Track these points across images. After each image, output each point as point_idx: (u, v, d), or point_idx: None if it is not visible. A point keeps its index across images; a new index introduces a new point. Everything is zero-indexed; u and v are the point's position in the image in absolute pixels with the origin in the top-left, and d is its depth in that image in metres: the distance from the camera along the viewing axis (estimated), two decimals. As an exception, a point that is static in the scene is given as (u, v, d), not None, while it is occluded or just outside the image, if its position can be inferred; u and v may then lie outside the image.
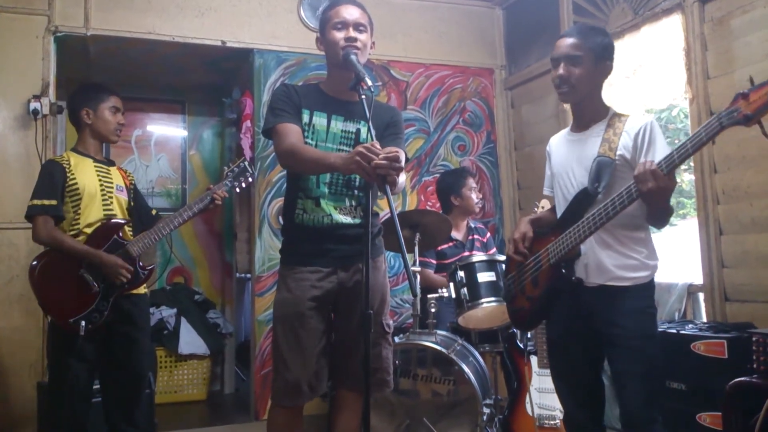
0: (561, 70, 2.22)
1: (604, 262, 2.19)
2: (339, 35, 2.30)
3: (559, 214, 2.33)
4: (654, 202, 2.00)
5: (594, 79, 2.26)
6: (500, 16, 5.02)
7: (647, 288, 2.21)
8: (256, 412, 4.22)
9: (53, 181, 2.84)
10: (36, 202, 2.81)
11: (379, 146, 2.02)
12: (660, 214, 2.11)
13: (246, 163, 3.04)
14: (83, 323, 2.72)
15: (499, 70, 5.00)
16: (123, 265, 2.81)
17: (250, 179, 3.08)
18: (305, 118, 2.34)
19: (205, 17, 4.26)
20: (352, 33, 2.30)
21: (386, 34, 4.59)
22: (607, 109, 2.31)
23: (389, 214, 2.00)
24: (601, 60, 2.25)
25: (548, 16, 4.42)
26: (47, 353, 2.92)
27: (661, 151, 2.11)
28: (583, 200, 2.19)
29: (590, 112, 2.30)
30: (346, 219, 2.35)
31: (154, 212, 3.19)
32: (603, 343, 2.22)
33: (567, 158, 2.33)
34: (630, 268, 2.18)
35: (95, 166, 2.97)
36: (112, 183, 2.98)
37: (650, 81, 3.61)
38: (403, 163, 2.09)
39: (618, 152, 2.18)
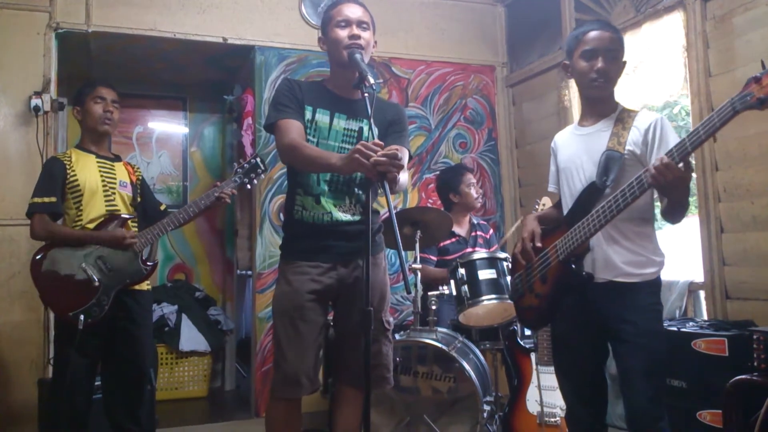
0: (601, 63, 2.21)
1: (611, 257, 2.19)
2: (342, 33, 2.30)
3: (565, 209, 2.32)
4: (672, 193, 1.98)
5: (620, 74, 2.29)
6: (502, 13, 5.01)
7: (654, 284, 2.21)
8: (256, 409, 4.23)
9: (53, 178, 2.86)
10: (36, 199, 2.84)
11: (379, 143, 2.03)
12: (677, 207, 2.07)
13: (258, 159, 3.01)
14: (82, 317, 2.73)
15: (500, 68, 4.99)
16: (123, 234, 2.82)
17: (262, 175, 3.06)
18: (308, 114, 2.34)
19: (206, 14, 4.25)
20: (356, 30, 2.30)
21: (387, 31, 4.59)
22: (616, 105, 2.31)
23: (388, 213, 2.00)
24: (623, 56, 2.30)
25: (550, 13, 4.41)
26: (54, 346, 2.93)
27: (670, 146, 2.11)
28: (591, 194, 2.18)
29: (604, 107, 2.30)
30: (346, 217, 2.35)
31: (163, 207, 3.19)
32: (610, 339, 2.22)
33: (575, 153, 2.33)
34: (638, 264, 2.18)
35: (98, 162, 2.97)
36: (115, 179, 2.98)
37: (650, 78, 3.62)
38: (405, 161, 2.09)
39: (627, 147, 2.17)
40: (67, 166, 2.89)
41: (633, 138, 2.19)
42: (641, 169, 2.13)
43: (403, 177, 2.18)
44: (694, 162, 3.36)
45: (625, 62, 2.30)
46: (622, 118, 2.24)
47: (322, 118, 2.36)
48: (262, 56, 4.37)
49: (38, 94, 3.76)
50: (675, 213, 2.11)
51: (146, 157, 5.53)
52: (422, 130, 4.73)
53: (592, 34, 2.25)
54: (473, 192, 3.89)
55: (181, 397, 4.89)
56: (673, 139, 2.14)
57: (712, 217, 3.25)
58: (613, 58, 2.23)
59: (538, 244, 2.30)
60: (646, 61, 3.64)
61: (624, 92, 3.68)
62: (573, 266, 2.19)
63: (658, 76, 3.57)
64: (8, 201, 3.66)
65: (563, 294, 2.26)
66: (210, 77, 5.32)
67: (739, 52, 3.15)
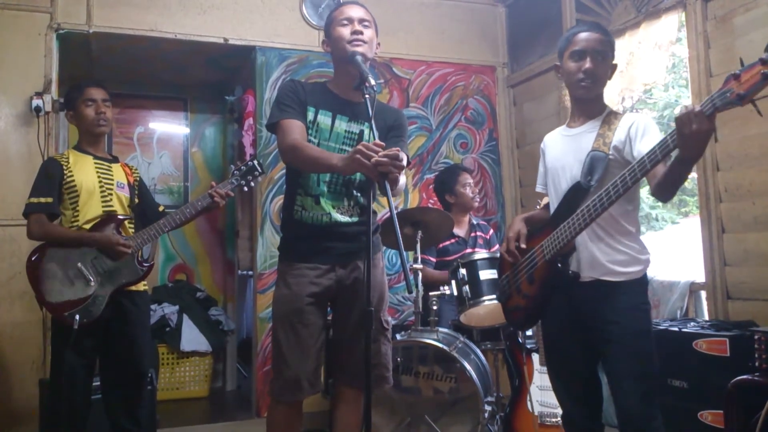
0: (589, 64, 2.21)
1: (596, 256, 2.19)
2: (345, 30, 2.33)
3: (552, 209, 2.33)
4: (691, 149, 1.84)
5: (608, 75, 2.30)
6: (502, 14, 5.01)
7: (641, 283, 2.21)
8: (257, 409, 4.23)
9: (50, 178, 2.87)
10: (32, 200, 2.85)
11: (381, 143, 2.03)
12: (684, 172, 1.95)
13: (255, 161, 2.99)
14: (77, 317, 2.73)
15: (501, 68, 4.99)
16: (118, 240, 2.82)
17: (259, 178, 3.04)
18: (310, 116, 2.36)
19: (207, 15, 4.26)
20: (358, 27, 2.33)
21: (388, 31, 4.58)
22: (604, 107, 2.33)
23: (389, 213, 2.01)
24: (613, 58, 2.30)
25: (550, 14, 4.42)
26: (51, 346, 2.94)
27: (652, 140, 2.10)
28: (576, 194, 2.18)
29: (592, 108, 2.31)
30: (344, 218, 2.36)
31: (161, 208, 3.18)
32: (597, 339, 2.21)
33: (563, 153, 2.34)
34: (622, 263, 2.18)
35: (95, 163, 2.97)
36: (112, 180, 2.99)
37: (636, 71, 3.67)
38: (404, 164, 2.10)
39: (612, 147, 2.18)
40: (65, 167, 2.89)
41: (617, 137, 2.19)
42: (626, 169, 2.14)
43: (402, 180, 2.19)
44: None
45: (615, 65, 2.31)
46: (609, 119, 2.25)
47: (324, 119, 2.37)
48: (262, 57, 4.37)
49: (39, 94, 3.76)
50: (674, 182, 1.98)
51: (147, 157, 5.53)
52: (423, 130, 4.73)
53: (582, 35, 2.26)
54: (468, 192, 3.88)
55: (182, 398, 4.89)
56: (654, 132, 2.15)
57: (713, 217, 3.24)
58: (601, 59, 2.24)
59: (523, 246, 2.30)
60: (636, 54, 3.66)
61: (610, 86, 3.74)
62: (559, 265, 2.19)
63: (643, 68, 3.61)
64: (9, 201, 3.67)
65: (550, 294, 2.26)
66: (211, 78, 5.33)
67: (740, 52, 3.15)
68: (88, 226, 2.86)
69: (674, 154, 1.90)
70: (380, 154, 1.98)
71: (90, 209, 2.89)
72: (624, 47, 3.77)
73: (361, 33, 2.32)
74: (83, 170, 2.92)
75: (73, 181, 2.88)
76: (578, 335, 2.25)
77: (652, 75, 3.57)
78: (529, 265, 2.30)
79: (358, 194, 2.39)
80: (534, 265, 2.27)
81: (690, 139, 1.79)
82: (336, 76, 2.46)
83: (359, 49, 2.29)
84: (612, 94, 3.75)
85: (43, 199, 2.83)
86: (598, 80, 2.25)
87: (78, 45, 4.22)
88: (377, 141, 2.05)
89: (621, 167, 2.14)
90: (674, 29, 3.46)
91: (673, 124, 1.84)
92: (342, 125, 2.38)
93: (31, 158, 3.74)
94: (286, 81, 2.51)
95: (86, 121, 2.97)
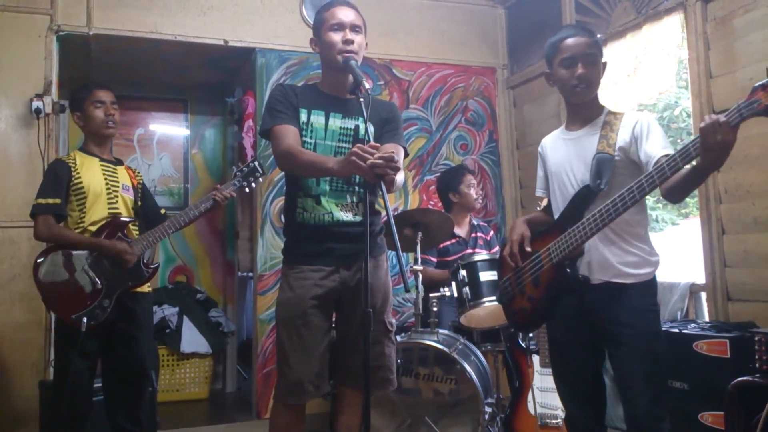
0: (581, 69, 2.22)
1: (608, 258, 2.19)
2: (336, 37, 2.32)
3: (556, 213, 2.32)
4: (714, 159, 1.84)
5: (601, 76, 2.29)
6: (502, 15, 5.02)
7: (650, 286, 2.21)
8: (257, 411, 4.23)
9: (58, 180, 2.87)
10: (40, 200, 2.85)
11: (375, 145, 2.04)
12: (701, 179, 1.99)
13: (256, 162, 3.03)
14: (85, 319, 2.74)
15: (501, 69, 4.99)
16: (125, 249, 2.83)
17: (260, 179, 3.06)
18: (303, 117, 2.35)
19: (207, 16, 4.26)
20: (349, 35, 2.31)
21: (388, 32, 4.60)
22: (602, 108, 2.33)
23: (386, 215, 2.01)
24: (602, 57, 2.30)
25: (550, 15, 4.42)
26: (54, 348, 2.94)
27: (659, 139, 2.12)
28: (585, 197, 2.18)
29: (589, 110, 2.31)
30: (347, 216, 2.35)
31: (162, 211, 3.21)
32: (606, 341, 2.21)
33: (566, 157, 2.33)
34: (633, 264, 2.18)
35: (101, 165, 2.98)
36: (117, 182, 3.00)
37: (645, 77, 3.65)
38: (401, 158, 2.11)
39: (617, 148, 2.18)
40: (72, 169, 2.90)
41: (622, 138, 2.19)
42: (634, 169, 2.14)
43: (400, 177, 2.19)
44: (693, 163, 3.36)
45: (605, 63, 2.31)
46: (609, 120, 2.25)
47: (318, 119, 2.36)
48: (262, 58, 4.37)
49: (39, 96, 3.76)
50: (689, 188, 2.01)
51: (147, 159, 5.54)
52: (423, 132, 4.73)
53: (569, 41, 2.25)
54: (473, 192, 3.89)
55: (182, 399, 4.88)
56: (658, 132, 2.15)
57: (713, 218, 3.24)
58: (591, 63, 2.24)
59: (528, 249, 2.29)
60: (644, 60, 3.65)
61: (620, 92, 3.70)
62: (568, 269, 2.19)
63: (653, 74, 3.59)
64: (9, 203, 3.67)
65: (557, 297, 2.26)
66: (211, 79, 5.33)
67: (740, 53, 3.15)
68: (93, 228, 2.87)
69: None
70: (375, 156, 1.98)
71: (96, 211, 2.90)
72: (626, 49, 3.76)
73: (352, 42, 2.31)
74: (90, 172, 2.93)
75: (81, 182, 2.89)
76: (584, 337, 2.25)
77: (662, 82, 3.54)
78: (534, 268, 2.28)
79: (361, 190, 2.38)
80: (540, 268, 2.26)
81: (714, 149, 1.80)
82: (325, 76, 2.46)
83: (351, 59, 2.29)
84: (627, 101, 3.73)
85: (51, 200, 2.84)
86: (592, 84, 2.25)
87: (78, 47, 4.22)
88: (372, 143, 2.05)
89: (628, 167, 2.15)
90: (678, 32, 3.45)
91: (673, 125, 1.85)
92: (336, 122, 2.38)
93: (31, 160, 3.74)
94: (275, 87, 2.49)
95: (95, 123, 2.98)
